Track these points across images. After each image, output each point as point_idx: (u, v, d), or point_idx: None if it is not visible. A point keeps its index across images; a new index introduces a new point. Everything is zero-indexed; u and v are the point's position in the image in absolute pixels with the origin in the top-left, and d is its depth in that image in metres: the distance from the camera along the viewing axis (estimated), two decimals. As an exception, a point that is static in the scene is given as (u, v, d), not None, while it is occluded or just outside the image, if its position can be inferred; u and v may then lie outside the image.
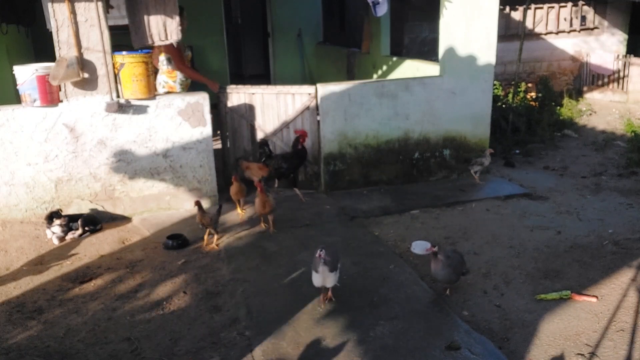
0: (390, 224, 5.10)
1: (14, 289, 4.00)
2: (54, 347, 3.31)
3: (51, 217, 4.78)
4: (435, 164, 6.18)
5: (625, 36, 10.99)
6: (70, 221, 4.83)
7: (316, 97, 5.62)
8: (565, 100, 9.88)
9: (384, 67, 7.92)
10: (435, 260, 3.70)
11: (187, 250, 4.58)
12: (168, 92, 5.69)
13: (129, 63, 4.83)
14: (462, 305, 3.74)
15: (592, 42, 10.97)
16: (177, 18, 5.11)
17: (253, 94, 5.81)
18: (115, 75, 4.90)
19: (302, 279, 4.03)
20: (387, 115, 5.85)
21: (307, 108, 5.72)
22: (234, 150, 6.00)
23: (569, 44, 10.90)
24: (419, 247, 4.58)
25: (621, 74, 10.55)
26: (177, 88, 5.85)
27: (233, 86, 5.95)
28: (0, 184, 4.94)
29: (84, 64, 4.82)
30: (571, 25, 10.82)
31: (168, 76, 5.85)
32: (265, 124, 5.88)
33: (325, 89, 5.62)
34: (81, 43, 4.77)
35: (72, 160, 5.02)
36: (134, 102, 5.00)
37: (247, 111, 5.86)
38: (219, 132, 6.05)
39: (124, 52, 4.89)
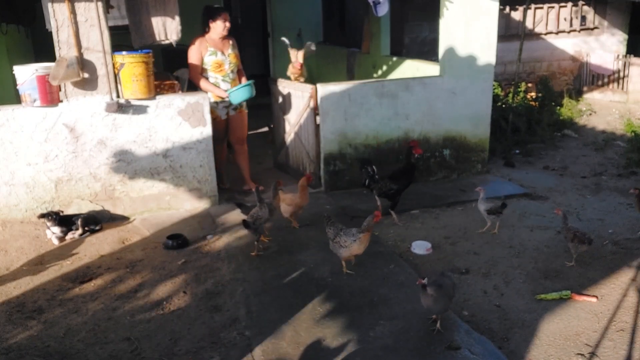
0: (390, 224, 5.10)
1: (14, 289, 4.00)
2: (54, 347, 3.31)
3: (46, 216, 4.75)
4: (435, 164, 6.18)
5: (625, 36, 10.99)
6: (61, 223, 4.75)
7: (315, 96, 5.63)
8: (565, 100, 9.88)
9: (384, 67, 7.92)
10: (424, 295, 3.27)
11: (187, 250, 4.58)
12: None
13: (129, 63, 4.82)
14: (462, 305, 3.74)
15: (592, 42, 10.96)
16: (178, 18, 5.12)
17: (284, 87, 6.12)
18: (115, 75, 4.90)
19: (302, 279, 4.04)
20: (387, 115, 5.86)
21: (307, 107, 5.73)
22: (277, 137, 6.53)
23: (569, 44, 10.90)
24: (419, 247, 4.59)
25: (621, 74, 10.55)
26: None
27: (278, 79, 6.39)
28: (0, 184, 4.94)
29: (84, 64, 4.82)
30: (571, 25, 10.82)
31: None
32: (290, 117, 6.11)
33: (325, 89, 5.62)
34: (81, 43, 4.77)
35: (72, 160, 5.02)
36: (134, 102, 5.00)
37: (282, 102, 6.24)
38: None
39: (124, 52, 4.89)
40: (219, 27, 5.41)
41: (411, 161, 5.10)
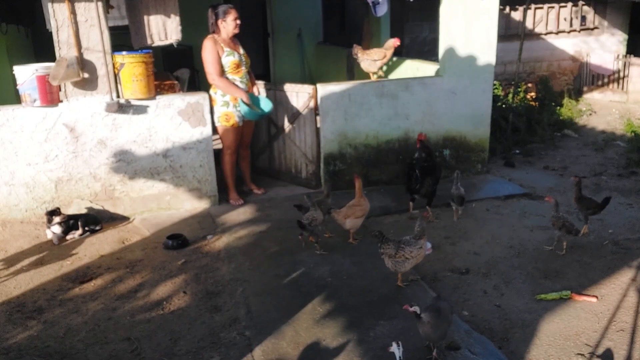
0: (391, 224, 5.10)
1: (14, 289, 4.00)
2: (54, 347, 3.31)
3: (51, 214, 4.76)
4: (435, 164, 6.17)
5: (625, 36, 11.00)
6: (70, 219, 4.82)
7: (315, 96, 5.63)
8: (565, 100, 9.88)
9: (384, 67, 7.92)
10: (420, 323, 2.98)
11: (187, 250, 4.58)
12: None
13: (129, 63, 4.83)
14: (462, 305, 3.74)
15: (592, 42, 10.97)
16: (177, 18, 5.11)
17: (269, 89, 5.99)
18: (115, 75, 4.90)
19: (302, 279, 4.04)
20: (387, 115, 5.86)
21: (307, 107, 5.73)
22: (257, 141, 6.29)
23: (569, 44, 10.90)
24: (419, 247, 4.58)
25: (621, 74, 10.56)
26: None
27: (261, 82, 6.04)
28: (0, 184, 4.94)
29: (84, 64, 4.82)
30: (571, 25, 10.83)
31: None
32: (278, 119, 6.02)
33: (325, 89, 5.62)
34: (81, 43, 4.77)
35: (72, 160, 5.02)
36: (134, 102, 5.00)
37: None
38: None
39: (124, 52, 4.89)
40: (230, 26, 5.17)
41: (422, 155, 5.20)
